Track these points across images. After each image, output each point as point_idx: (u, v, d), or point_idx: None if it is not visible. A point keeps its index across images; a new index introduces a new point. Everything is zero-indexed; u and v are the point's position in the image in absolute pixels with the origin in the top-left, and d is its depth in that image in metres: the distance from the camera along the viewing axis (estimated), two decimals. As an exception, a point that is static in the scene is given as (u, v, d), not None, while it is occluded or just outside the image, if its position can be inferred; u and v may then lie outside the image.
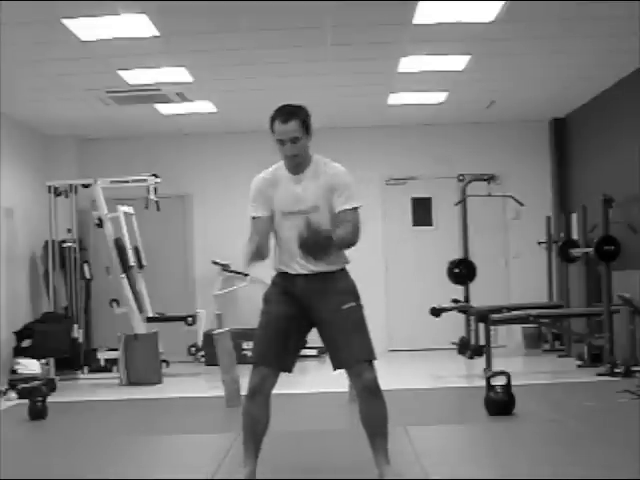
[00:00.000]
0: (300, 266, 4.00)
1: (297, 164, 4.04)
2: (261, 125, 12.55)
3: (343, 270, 4.09)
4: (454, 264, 10.06)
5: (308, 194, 4.00)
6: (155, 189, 9.44)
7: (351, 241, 3.98)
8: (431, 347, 10.88)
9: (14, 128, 9.76)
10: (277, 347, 4.01)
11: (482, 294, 10.05)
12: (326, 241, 3.78)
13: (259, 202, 4.07)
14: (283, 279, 4.07)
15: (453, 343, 10.01)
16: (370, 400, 3.98)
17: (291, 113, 3.99)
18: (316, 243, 3.76)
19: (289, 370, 4.06)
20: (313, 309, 4.01)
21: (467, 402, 6.98)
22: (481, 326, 8.90)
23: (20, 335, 9.31)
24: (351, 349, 3.95)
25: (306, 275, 3.99)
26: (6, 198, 9.41)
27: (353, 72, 8.50)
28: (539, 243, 10.92)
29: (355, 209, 4.03)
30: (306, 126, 4.03)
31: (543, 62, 8.27)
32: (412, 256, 11.30)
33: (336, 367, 4.04)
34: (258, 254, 3.98)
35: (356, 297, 4.05)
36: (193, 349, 10.23)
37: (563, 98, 10.06)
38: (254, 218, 4.07)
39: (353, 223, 3.99)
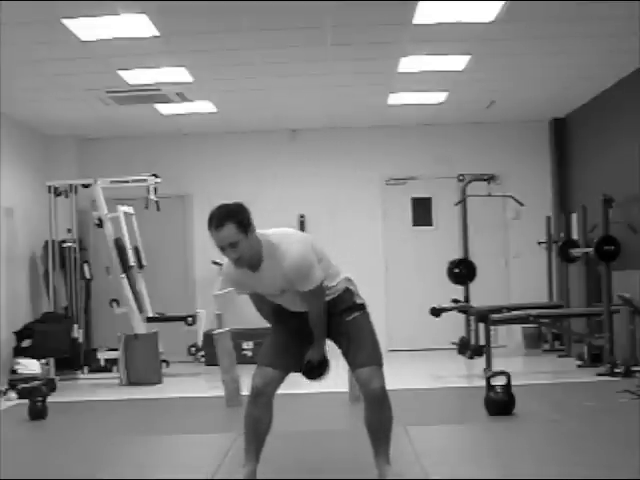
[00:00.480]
0: (298, 308, 4.12)
1: (247, 263, 3.93)
2: (261, 125, 12.62)
3: (340, 293, 4.12)
4: (454, 264, 10.06)
5: (271, 284, 4.00)
6: (155, 189, 9.44)
7: (321, 314, 4.05)
8: (431, 347, 10.87)
9: (14, 128, 9.76)
10: (285, 351, 4.07)
11: (482, 294, 10.05)
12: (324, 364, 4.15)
13: (239, 287, 4.14)
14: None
15: (453, 343, 10.01)
16: (376, 407, 4.01)
17: (224, 218, 3.85)
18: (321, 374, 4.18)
19: (288, 373, 4.12)
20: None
21: (467, 402, 6.98)
22: (481, 326, 8.90)
23: (20, 335, 9.31)
24: (357, 354, 4.00)
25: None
26: (6, 198, 9.41)
27: (353, 72, 8.50)
28: (539, 243, 10.92)
29: (315, 288, 3.96)
30: (244, 227, 3.85)
31: (543, 62, 8.27)
32: (412, 256, 11.30)
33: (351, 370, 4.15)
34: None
35: (359, 308, 4.11)
36: (193, 349, 10.22)
37: (563, 98, 10.06)
38: (248, 295, 4.22)
39: (317, 305, 4.02)
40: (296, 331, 4.10)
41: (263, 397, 4.01)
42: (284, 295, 4.03)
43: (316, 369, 4.15)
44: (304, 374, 4.19)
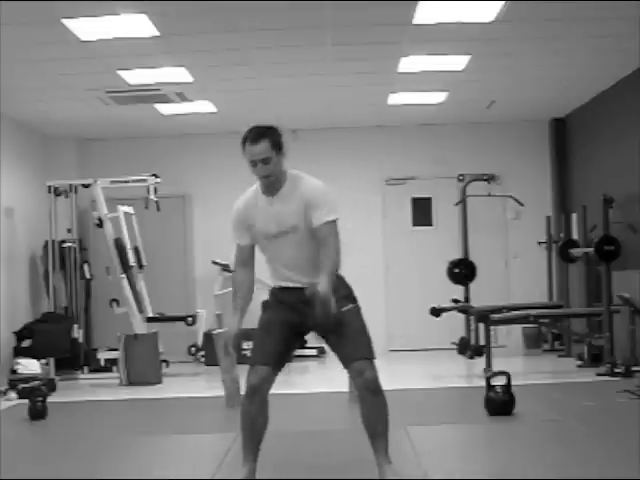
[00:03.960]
0: (293, 282, 4.05)
1: (270, 184, 4.03)
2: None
3: (338, 277, 4.05)
4: (454, 264, 10.07)
5: (286, 215, 4.00)
6: (155, 189, 9.44)
7: (338, 266, 3.96)
8: (431, 347, 10.87)
9: (14, 128, 9.76)
10: (275, 348, 4.04)
11: (482, 294, 10.05)
12: (330, 303, 3.80)
13: (241, 231, 4.15)
14: (280, 291, 4.14)
15: (453, 343, 10.02)
16: (371, 400, 3.98)
17: (261, 134, 4.00)
18: (327, 314, 3.80)
19: (281, 368, 4.09)
20: (312, 316, 4.02)
21: (467, 402, 6.98)
22: (481, 326, 8.90)
23: (20, 335, 9.31)
24: (350, 348, 3.98)
25: (302, 288, 3.99)
26: (6, 198, 9.41)
27: (353, 72, 8.50)
28: (539, 243, 10.93)
29: (333, 222, 3.96)
30: (277, 146, 3.99)
31: (543, 62, 8.27)
32: (412, 256, 11.30)
33: (343, 365, 4.07)
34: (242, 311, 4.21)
35: (353, 300, 4.08)
36: (193, 349, 10.23)
37: (563, 98, 10.06)
38: (238, 245, 4.19)
39: (334, 246, 3.93)
40: (283, 323, 4.05)
41: (258, 395, 4.00)
42: (287, 237, 3.97)
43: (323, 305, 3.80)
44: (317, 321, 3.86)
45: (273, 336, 4.06)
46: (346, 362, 4.01)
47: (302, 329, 4.13)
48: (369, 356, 3.98)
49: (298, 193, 3.99)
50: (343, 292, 4.03)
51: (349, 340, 3.98)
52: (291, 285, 4.07)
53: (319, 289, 3.80)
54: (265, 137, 3.98)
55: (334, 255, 3.93)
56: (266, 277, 4.24)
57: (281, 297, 4.12)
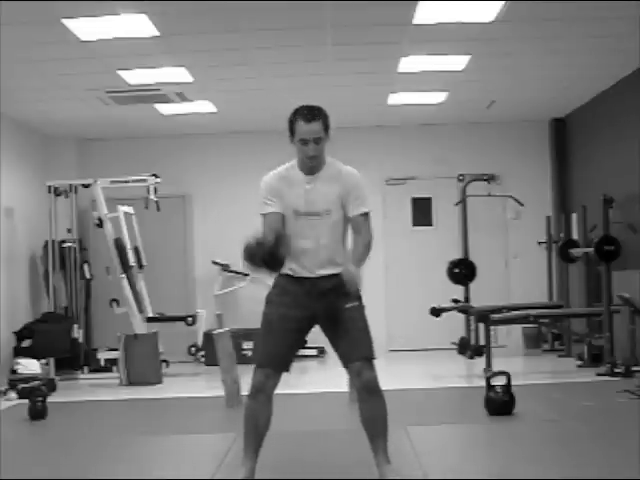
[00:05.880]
0: (307, 270, 4.01)
1: (314, 165, 4.02)
2: (261, 125, 12.58)
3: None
4: (454, 264, 10.07)
5: (321, 196, 4.00)
6: (155, 189, 9.44)
7: (367, 256, 4.01)
8: (431, 347, 10.87)
9: (14, 128, 9.76)
10: (280, 348, 4.02)
11: (482, 294, 10.05)
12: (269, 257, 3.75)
13: (271, 199, 4.02)
14: (286, 281, 4.07)
15: (453, 343, 10.02)
16: (370, 399, 3.98)
17: (315, 114, 3.98)
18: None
19: (288, 370, 4.08)
20: (317, 308, 4.02)
21: (467, 402, 6.98)
22: (481, 326, 8.91)
23: (20, 335, 9.31)
24: (352, 346, 3.98)
25: (311, 278, 4.00)
26: (6, 198, 9.41)
27: (353, 72, 8.50)
28: (539, 243, 10.93)
29: (367, 214, 4.05)
30: (327, 127, 4.01)
31: (543, 62, 8.27)
32: (412, 256, 11.30)
33: (343, 363, 4.06)
34: (284, 248, 3.85)
35: (359, 297, 4.07)
36: (193, 349, 10.23)
37: (563, 98, 10.06)
38: (267, 214, 4.02)
39: (367, 239, 4.00)
40: (286, 319, 4.02)
41: (263, 394, 4.00)
42: (314, 221, 3.95)
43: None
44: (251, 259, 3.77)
45: (277, 336, 4.03)
46: (346, 361, 4.01)
47: (305, 325, 4.08)
48: (369, 356, 3.98)
49: (336, 178, 4.01)
50: (343, 289, 3.98)
51: (350, 338, 3.98)
52: (302, 275, 4.02)
53: (349, 268, 3.85)
54: (320, 117, 3.97)
55: (366, 245, 4.00)
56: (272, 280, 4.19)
57: (288, 287, 4.05)
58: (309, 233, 3.99)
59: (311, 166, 4.02)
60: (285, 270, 4.02)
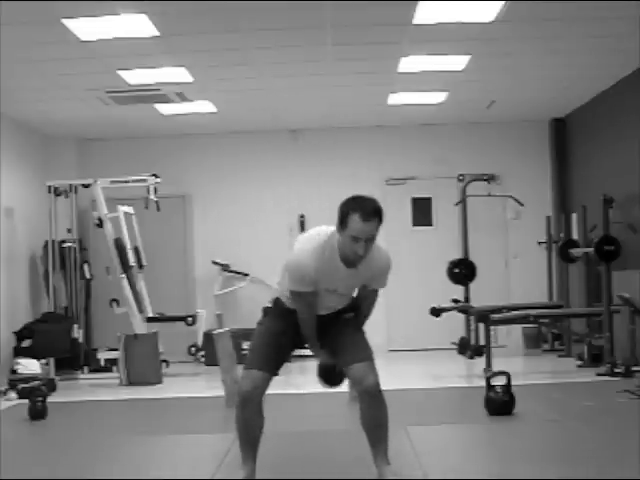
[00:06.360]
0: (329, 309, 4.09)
1: (358, 261, 3.86)
2: (261, 125, 12.58)
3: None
4: (454, 264, 10.07)
5: (355, 280, 4.02)
6: (155, 189, 9.44)
7: (369, 313, 4.22)
8: (431, 347, 10.87)
9: (14, 128, 9.76)
10: (270, 355, 4.05)
11: (482, 294, 10.06)
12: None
13: (306, 283, 3.89)
14: (287, 309, 4.11)
15: (453, 343, 10.02)
16: (371, 404, 3.99)
17: (375, 211, 3.75)
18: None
19: (277, 373, 4.10)
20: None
21: (467, 402, 6.98)
22: (481, 326, 8.90)
23: (20, 335, 9.31)
24: (350, 353, 4.00)
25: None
26: (6, 198, 9.41)
27: (353, 72, 8.50)
28: (539, 243, 10.93)
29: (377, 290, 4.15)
30: (380, 226, 3.82)
31: (543, 62, 8.26)
32: (412, 256, 11.29)
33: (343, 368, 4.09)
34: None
35: (354, 309, 4.17)
36: (193, 349, 10.22)
37: (563, 98, 10.06)
38: (303, 293, 3.94)
39: (373, 305, 4.21)
40: (280, 332, 4.08)
41: (252, 402, 3.99)
42: (342, 291, 4.03)
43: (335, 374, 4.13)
44: (326, 381, 4.18)
45: (269, 342, 4.08)
46: (347, 365, 4.02)
47: (298, 339, 4.15)
48: (370, 359, 4.00)
49: (370, 265, 3.96)
50: (350, 307, 4.14)
51: (351, 344, 4.02)
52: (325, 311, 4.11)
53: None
54: (378, 216, 3.76)
55: (371, 311, 4.20)
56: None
57: (285, 313, 4.11)
58: (331, 300, 4.05)
59: (354, 261, 3.87)
60: (287, 303, 4.10)
